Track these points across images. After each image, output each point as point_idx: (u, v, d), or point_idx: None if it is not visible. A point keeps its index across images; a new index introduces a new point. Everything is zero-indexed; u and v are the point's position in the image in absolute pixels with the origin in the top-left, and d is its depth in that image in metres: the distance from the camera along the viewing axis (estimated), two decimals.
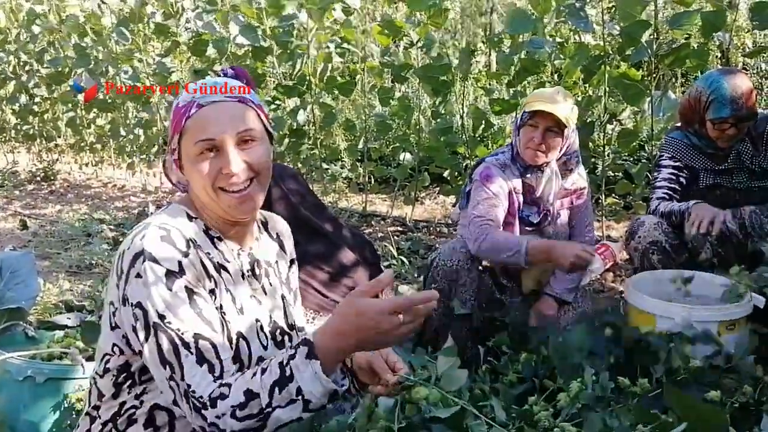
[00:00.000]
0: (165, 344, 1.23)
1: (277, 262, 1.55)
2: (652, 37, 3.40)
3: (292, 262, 1.62)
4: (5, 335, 2.42)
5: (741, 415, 1.75)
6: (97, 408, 1.39)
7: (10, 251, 3.98)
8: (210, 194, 1.33)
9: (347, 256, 2.79)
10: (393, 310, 1.15)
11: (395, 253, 4.11)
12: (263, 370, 1.21)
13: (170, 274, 1.24)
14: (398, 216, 5.15)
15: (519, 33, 3.83)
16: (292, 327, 1.52)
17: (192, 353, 1.22)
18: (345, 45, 5.02)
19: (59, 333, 2.58)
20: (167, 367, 1.23)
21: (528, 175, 2.55)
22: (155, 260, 1.24)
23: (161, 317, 1.23)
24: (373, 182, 5.56)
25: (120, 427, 1.36)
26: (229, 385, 1.21)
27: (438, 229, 4.83)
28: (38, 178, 7.78)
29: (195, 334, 1.23)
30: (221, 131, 1.30)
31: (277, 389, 1.18)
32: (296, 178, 2.90)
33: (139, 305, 1.24)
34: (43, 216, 5.94)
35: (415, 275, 3.77)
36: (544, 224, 2.60)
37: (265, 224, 1.58)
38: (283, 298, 1.53)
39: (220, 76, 1.42)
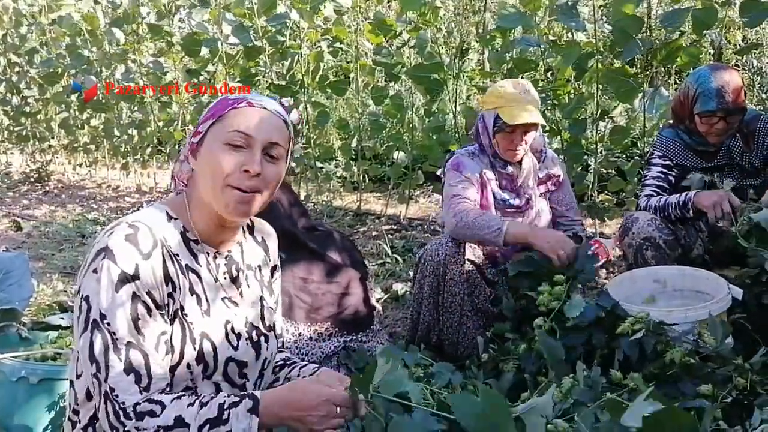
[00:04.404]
0: (98, 343, 1.25)
1: (259, 266, 1.57)
2: (644, 34, 3.41)
3: (274, 268, 1.64)
4: None
5: (733, 409, 1.76)
6: (76, 412, 1.40)
7: (4, 252, 3.97)
8: (217, 185, 1.35)
9: (336, 259, 2.79)
10: (336, 401, 1.28)
11: (389, 252, 4.12)
12: (201, 404, 1.26)
13: (123, 277, 1.26)
14: (392, 214, 5.15)
15: (509, 27, 3.84)
16: (270, 328, 1.54)
17: (121, 360, 1.25)
18: (337, 44, 5.03)
19: (53, 334, 2.59)
20: (94, 364, 1.26)
21: (508, 168, 2.65)
22: (113, 260, 1.26)
23: (102, 316, 1.25)
24: (367, 181, 5.57)
25: (98, 431, 1.36)
26: (162, 405, 1.25)
27: (432, 227, 4.84)
28: (32, 179, 7.76)
29: (128, 342, 1.26)
30: (259, 133, 1.35)
31: (207, 426, 1.24)
32: (283, 188, 2.88)
33: (86, 299, 1.27)
34: (37, 217, 5.93)
35: (410, 273, 3.77)
36: (526, 207, 2.69)
37: (251, 228, 1.59)
38: (261, 300, 1.54)
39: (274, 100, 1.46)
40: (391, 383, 1.30)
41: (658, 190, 2.72)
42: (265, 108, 1.38)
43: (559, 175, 2.80)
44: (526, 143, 2.58)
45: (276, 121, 1.39)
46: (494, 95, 2.58)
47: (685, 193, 2.58)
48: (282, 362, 1.64)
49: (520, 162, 2.66)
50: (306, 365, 1.61)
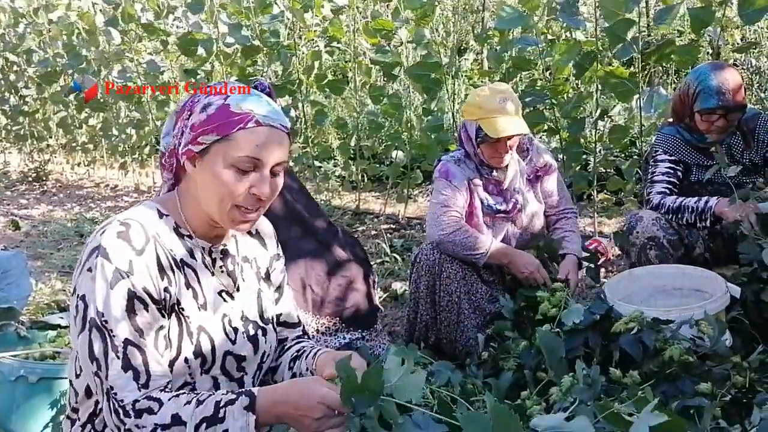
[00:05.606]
0: (96, 342, 1.26)
1: (255, 258, 1.56)
2: (641, 33, 3.41)
3: (275, 257, 1.62)
4: None
5: (732, 407, 1.76)
6: (75, 410, 1.40)
7: (2, 251, 3.97)
8: (223, 205, 1.34)
9: (340, 253, 2.79)
10: (331, 405, 1.24)
11: (388, 251, 4.12)
12: (198, 402, 1.26)
13: (117, 274, 1.26)
14: (391, 213, 5.15)
15: (508, 29, 3.83)
16: (267, 321, 1.53)
17: (119, 357, 1.25)
18: (334, 43, 5.02)
19: (51, 333, 2.58)
20: (94, 362, 1.26)
21: (494, 173, 2.63)
22: (107, 257, 1.26)
23: (99, 315, 1.25)
24: (365, 180, 5.57)
25: (98, 428, 1.37)
26: (160, 402, 1.25)
27: None
28: (30, 179, 7.76)
29: (125, 339, 1.26)
30: (268, 157, 1.33)
31: (204, 425, 1.23)
32: (290, 175, 2.90)
33: (82, 298, 1.27)
34: (35, 216, 5.92)
35: (408, 272, 3.77)
36: (514, 212, 2.67)
37: None
38: (259, 292, 1.54)
39: (257, 88, 1.42)
40: (406, 388, 1.25)
41: (670, 186, 2.71)
42: (271, 125, 1.34)
43: (547, 164, 2.76)
44: (511, 149, 2.56)
45: (281, 137, 1.35)
46: (474, 106, 2.54)
47: (705, 199, 2.57)
48: (296, 354, 1.59)
49: (506, 165, 2.62)
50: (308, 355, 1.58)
